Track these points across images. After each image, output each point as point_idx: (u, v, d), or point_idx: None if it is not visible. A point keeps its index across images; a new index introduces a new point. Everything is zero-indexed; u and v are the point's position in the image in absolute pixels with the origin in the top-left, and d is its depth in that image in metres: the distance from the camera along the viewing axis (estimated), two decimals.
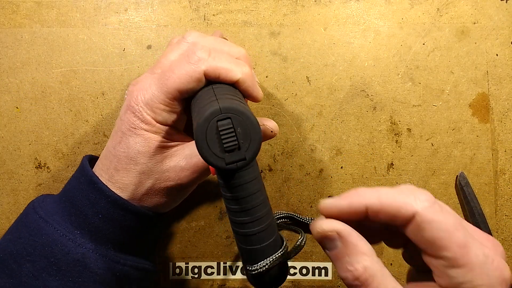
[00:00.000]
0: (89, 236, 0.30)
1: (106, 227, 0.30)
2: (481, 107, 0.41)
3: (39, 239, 0.29)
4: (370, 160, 0.41)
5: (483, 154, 0.41)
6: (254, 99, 0.31)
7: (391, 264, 0.41)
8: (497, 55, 0.41)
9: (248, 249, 0.26)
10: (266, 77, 0.41)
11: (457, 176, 0.41)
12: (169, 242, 0.41)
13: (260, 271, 0.26)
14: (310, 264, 0.41)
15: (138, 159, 0.30)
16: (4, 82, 0.41)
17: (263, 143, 0.40)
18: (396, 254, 0.41)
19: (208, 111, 0.23)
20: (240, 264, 0.41)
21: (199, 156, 0.30)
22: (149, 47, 0.41)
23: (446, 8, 0.42)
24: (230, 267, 0.41)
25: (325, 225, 0.23)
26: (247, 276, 0.28)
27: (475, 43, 0.42)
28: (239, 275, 0.41)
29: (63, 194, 0.32)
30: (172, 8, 0.42)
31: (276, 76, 0.41)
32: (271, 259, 0.26)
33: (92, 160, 0.34)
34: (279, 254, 0.26)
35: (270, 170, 0.41)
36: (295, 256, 0.35)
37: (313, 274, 0.41)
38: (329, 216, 0.24)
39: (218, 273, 0.41)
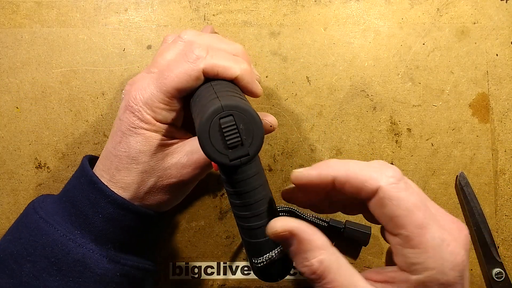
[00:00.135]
0: (89, 236, 0.30)
1: (107, 227, 0.30)
2: (481, 107, 0.41)
3: (40, 239, 0.29)
4: (370, 160, 0.41)
5: (483, 154, 0.41)
6: (253, 95, 0.31)
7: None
8: (497, 55, 0.41)
9: (253, 243, 0.26)
10: (266, 77, 0.41)
11: (457, 176, 0.41)
12: (169, 242, 0.41)
13: (265, 264, 0.26)
14: None
15: (140, 158, 0.30)
16: (4, 82, 0.41)
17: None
18: None
19: (210, 109, 0.23)
20: (240, 264, 0.41)
21: (200, 152, 0.31)
22: (149, 47, 0.41)
23: (446, 8, 0.42)
24: (230, 267, 0.41)
25: (277, 225, 0.24)
26: (252, 269, 0.28)
27: (475, 43, 0.42)
28: (239, 275, 0.41)
29: (63, 194, 0.32)
30: (172, 8, 0.42)
31: (276, 76, 0.41)
32: (275, 251, 0.26)
33: (92, 160, 0.34)
34: None
35: (270, 170, 0.41)
36: None
37: None
38: (299, 185, 0.25)
39: (218, 273, 0.41)
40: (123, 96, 0.32)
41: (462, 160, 0.41)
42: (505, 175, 0.41)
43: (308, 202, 0.29)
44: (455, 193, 0.41)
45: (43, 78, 0.41)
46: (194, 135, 0.33)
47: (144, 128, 0.30)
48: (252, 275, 0.40)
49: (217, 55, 0.29)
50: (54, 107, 0.41)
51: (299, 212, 0.39)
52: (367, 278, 0.24)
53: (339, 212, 0.30)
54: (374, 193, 0.23)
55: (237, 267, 0.41)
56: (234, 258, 0.41)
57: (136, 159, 0.30)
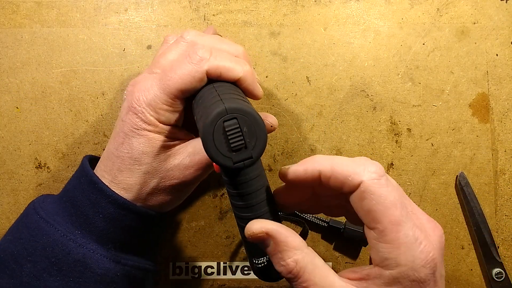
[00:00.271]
0: (90, 236, 0.30)
1: (107, 227, 0.30)
2: (481, 107, 0.41)
3: (40, 239, 0.29)
4: None
5: (483, 154, 0.41)
6: (255, 97, 0.31)
7: None
8: (497, 55, 0.41)
9: (254, 243, 0.26)
10: (266, 77, 0.41)
11: (457, 176, 0.41)
12: (169, 242, 0.41)
13: (265, 264, 0.27)
14: None
15: (142, 160, 0.30)
16: (4, 82, 0.41)
17: None
18: None
19: (214, 112, 0.23)
20: (240, 264, 0.41)
21: (202, 154, 0.31)
22: (149, 47, 0.41)
23: (446, 8, 0.42)
24: (230, 267, 0.41)
25: (254, 227, 0.25)
26: (252, 270, 0.28)
27: (475, 43, 0.42)
28: (239, 275, 0.41)
29: (63, 194, 0.32)
30: (172, 8, 0.42)
31: (276, 76, 0.41)
32: None
33: (92, 160, 0.34)
34: None
35: (270, 170, 0.41)
36: None
37: None
38: (287, 181, 0.26)
39: (218, 273, 0.41)
40: (125, 96, 0.32)
41: (462, 160, 0.41)
42: (505, 175, 0.41)
43: (292, 202, 0.29)
44: (455, 193, 0.41)
45: (43, 78, 0.41)
46: (195, 136, 0.33)
47: (147, 130, 0.30)
48: (252, 275, 0.40)
49: (220, 56, 0.29)
50: (54, 107, 0.41)
51: (299, 213, 0.40)
52: (343, 277, 0.24)
53: None
54: (356, 187, 0.23)
55: (237, 267, 0.41)
56: (234, 258, 0.41)
57: (138, 160, 0.30)
